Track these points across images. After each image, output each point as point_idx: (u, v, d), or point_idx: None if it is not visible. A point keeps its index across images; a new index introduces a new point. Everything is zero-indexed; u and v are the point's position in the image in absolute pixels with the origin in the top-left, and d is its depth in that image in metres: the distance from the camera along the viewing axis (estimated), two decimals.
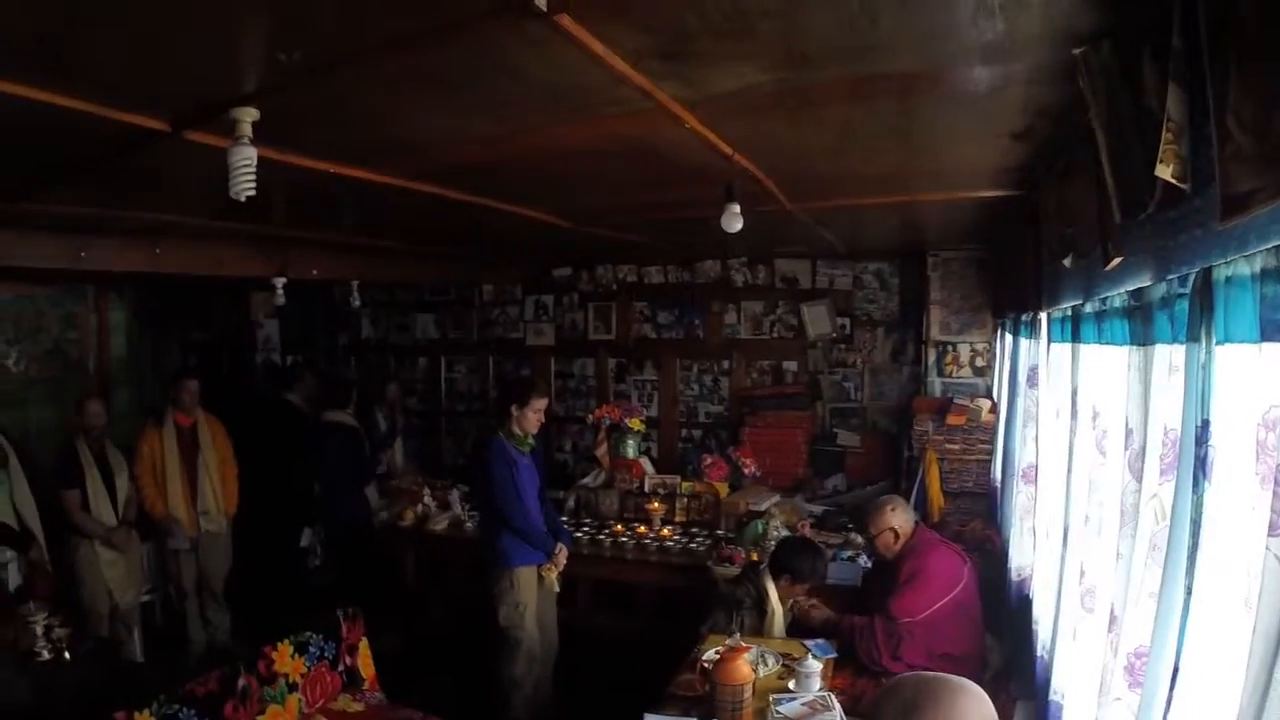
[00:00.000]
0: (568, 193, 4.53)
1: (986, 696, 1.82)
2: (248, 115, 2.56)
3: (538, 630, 5.45)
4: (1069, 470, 3.27)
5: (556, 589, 5.59)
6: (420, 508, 7.38)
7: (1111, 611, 2.42)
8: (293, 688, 4.42)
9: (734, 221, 3.91)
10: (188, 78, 2.34)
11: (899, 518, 4.59)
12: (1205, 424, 1.74)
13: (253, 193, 2.65)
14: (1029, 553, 4.48)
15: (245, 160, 2.60)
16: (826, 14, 2.00)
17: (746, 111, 2.85)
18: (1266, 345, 1.49)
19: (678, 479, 7.35)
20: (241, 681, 4.14)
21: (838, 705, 3.78)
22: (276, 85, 2.39)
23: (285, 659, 4.43)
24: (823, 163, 3.81)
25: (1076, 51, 2.06)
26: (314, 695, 4.53)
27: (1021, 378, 4.91)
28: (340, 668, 4.75)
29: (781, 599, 4.74)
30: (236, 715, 4.06)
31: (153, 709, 3.71)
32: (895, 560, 4.54)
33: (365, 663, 4.91)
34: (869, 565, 5.53)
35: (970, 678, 1.85)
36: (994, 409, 6.65)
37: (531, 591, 5.37)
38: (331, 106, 2.71)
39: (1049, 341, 4.03)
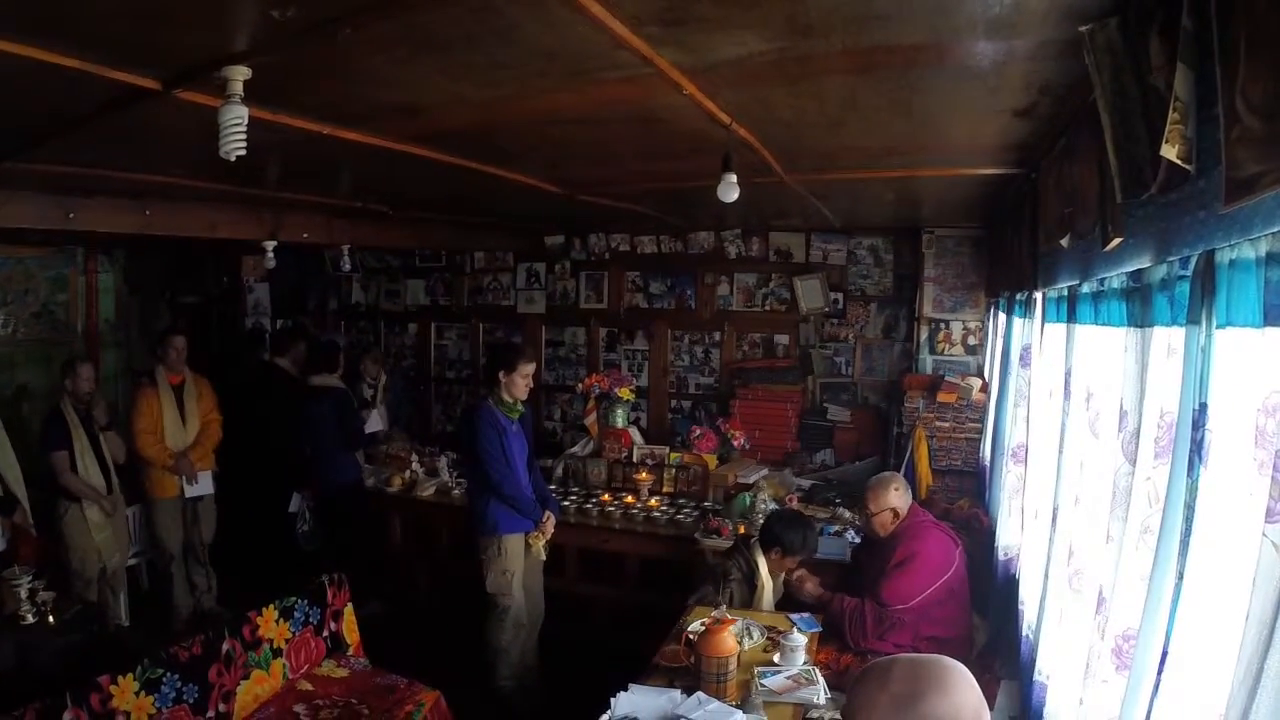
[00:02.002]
0: (563, 159, 4.48)
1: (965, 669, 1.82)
2: (239, 74, 2.51)
3: (524, 597, 5.46)
4: (1060, 451, 3.26)
5: (543, 557, 5.60)
6: (408, 474, 7.39)
7: (1100, 593, 2.42)
8: (277, 653, 4.44)
9: (730, 191, 3.87)
10: (180, 35, 2.29)
11: (901, 498, 4.58)
12: (1203, 407, 1.73)
13: (243, 152, 2.61)
14: (1017, 532, 4.49)
15: (236, 119, 2.56)
16: None
17: (747, 80, 2.81)
18: (1269, 329, 1.47)
19: (666, 450, 7.37)
20: (226, 646, 4.16)
21: (821, 679, 3.79)
22: (269, 44, 2.34)
23: (270, 624, 4.44)
24: (822, 134, 3.76)
25: (1084, 28, 2.03)
26: (298, 660, 4.55)
27: (1014, 357, 4.89)
28: (325, 633, 4.77)
29: (772, 573, 4.75)
30: (221, 680, 4.07)
31: (136, 673, 3.72)
32: (888, 539, 4.53)
33: (350, 629, 4.93)
34: (857, 541, 5.54)
35: (956, 659, 1.84)
36: (985, 388, 6.66)
37: (519, 559, 5.37)
38: (325, 66, 2.66)
39: (1043, 321, 4.02)
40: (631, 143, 4.00)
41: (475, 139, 3.86)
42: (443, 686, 4.62)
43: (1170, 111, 1.66)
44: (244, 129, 2.59)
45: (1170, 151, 1.68)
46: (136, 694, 3.70)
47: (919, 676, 1.76)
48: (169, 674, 3.84)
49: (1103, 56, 2.02)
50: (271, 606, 4.50)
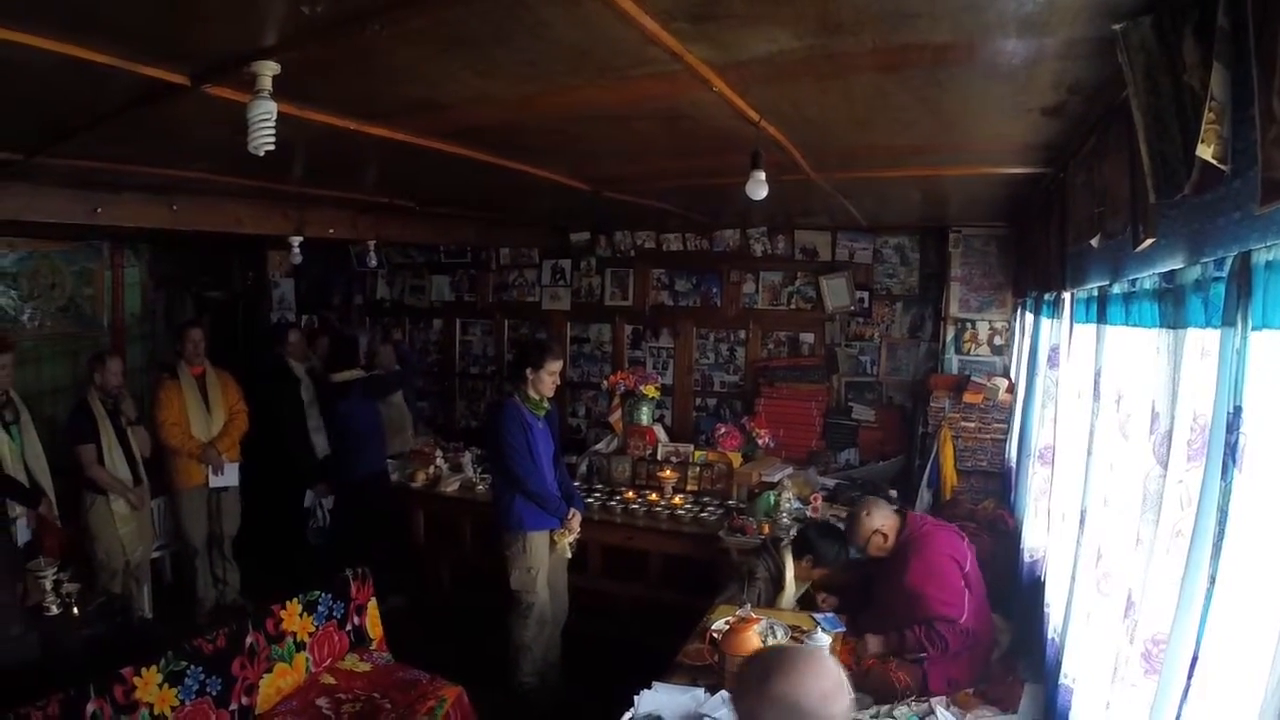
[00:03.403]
0: (590, 156, 4.48)
1: (832, 664, 2.13)
2: (268, 69, 2.52)
3: (548, 595, 5.47)
4: (1089, 452, 3.23)
5: (569, 555, 5.60)
6: (432, 469, 7.43)
7: (1129, 597, 2.39)
8: (300, 646, 4.47)
9: (759, 189, 3.86)
10: (210, 30, 2.30)
11: (878, 518, 4.53)
12: (1238, 410, 1.71)
13: (271, 147, 2.62)
14: (1043, 534, 4.46)
15: (264, 114, 2.58)
16: None
17: (776, 77, 2.80)
18: None
19: (690, 447, 7.37)
20: (249, 639, 4.19)
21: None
22: (298, 39, 2.35)
23: (294, 618, 4.47)
24: (850, 132, 3.75)
25: (1117, 27, 2.01)
26: (321, 654, 4.58)
27: (1042, 358, 4.86)
28: (348, 627, 4.79)
29: (799, 578, 4.74)
30: (244, 673, 4.10)
31: (160, 665, 3.75)
32: (897, 554, 4.48)
33: (373, 623, 4.96)
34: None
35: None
36: (1011, 388, 6.62)
37: (543, 556, 5.38)
38: (353, 62, 2.66)
39: (1072, 322, 3.98)
40: (659, 140, 3.98)
41: (503, 135, 3.86)
42: (465, 682, 4.63)
43: (1206, 111, 1.65)
44: (273, 124, 2.60)
45: (1206, 152, 1.66)
46: (160, 686, 3.73)
47: (772, 661, 2.12)
48: (192, 666, 3.88)
49: (1136, 55, 2.00)
50: (295, 600, 4.53)
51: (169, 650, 3.83)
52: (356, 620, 4.85)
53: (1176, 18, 1.86)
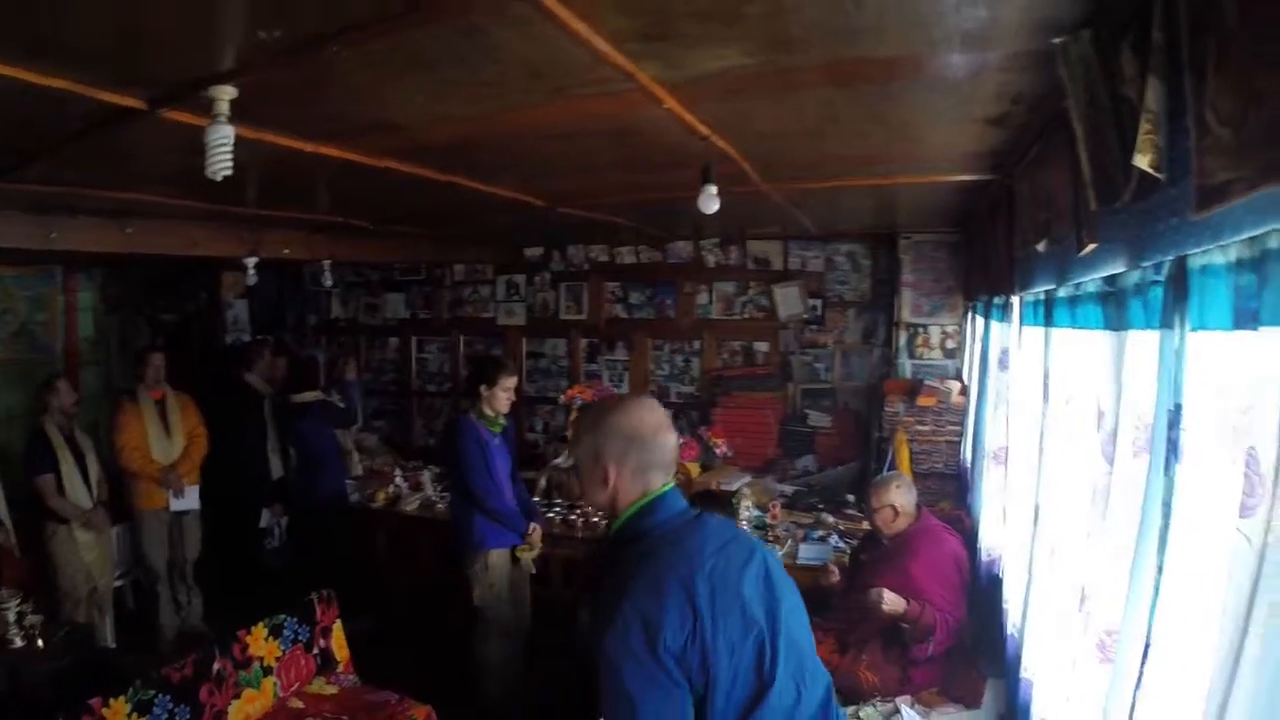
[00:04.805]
0: (544, 172, 4.51)
1: (660, 406, 2.37)
2: (225, 94, 2.53)
3: (511, 610, 5.47)
4: (1040, 452, 3.32)
5: (532, 570, 5.62)
6: (392, 488, 7.40)
7: (1083, 590, 2.47)
8: (268, 671, 4.43)
9: (710, 203, 3.93)
10: (167, 55, 2.32)
11: (901, 496, 4.60)
12: (1178, 408, 1.79)
13: (229, 172, 2.62)
14: (999, 533, 4.55)
15: (222, 139, 2.57)
16: None
17: (726, 93, 2.85)
18: (1240, 333, 1.52)
19: None
20: (217, 665, 4.15)
21: None
22: (256, 63, 2.37)
23: (260, 642, 4.44)
24: (800, 144, 3.82)
25: (1057, 41, 2.09)
26: (289, 678, 4.55)
27: (993, 360, 4.96)
28: (314, 650, 4.77)
29: None
30: (212, 699, 4.07)
31: (129, 695, 3.71)
32: (899, 541, 4.55)
33: (339, 645, 4.93)
34: (841, 546, 5.61)
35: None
36: (964, 391, 6.72)
37: (505, 572, 5.38)
38: (311, 85, 2.68)
39: (1021, 325, 4.07)
40: (611, 155, 4.03)
41: (458, 154, 3.88)
42: (433, 701, 4.61)
43: (1142, 122, 1.72)
44: (230, 149, 2.60)
45: (1142, 161, 1.73)
46: (129, 716, 3.68)
47: (608, 401, 2.49)
48: (161, 695, 3.83)
49: (1076, 68, 2.07)
50: (261, 625, 4.49)
51: (137, 679, 3.79)
52: (323, 643, 4.83)
53: (1114, 32, 1.93)
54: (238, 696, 4.22)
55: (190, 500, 6.67)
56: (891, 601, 4.14)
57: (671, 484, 2.29)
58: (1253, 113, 1.34)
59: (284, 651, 4.56)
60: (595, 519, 6.57)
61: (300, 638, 4.69)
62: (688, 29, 2.21)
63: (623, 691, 1.97)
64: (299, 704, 4.47)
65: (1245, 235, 1.46)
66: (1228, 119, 1.43)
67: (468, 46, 2.31)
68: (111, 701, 3.62)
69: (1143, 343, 2.08)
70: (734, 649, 1.99)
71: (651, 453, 2.22)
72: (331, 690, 4.64)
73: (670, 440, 2.26)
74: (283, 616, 4.63)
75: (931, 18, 2.13)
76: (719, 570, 2.06)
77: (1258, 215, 1.42)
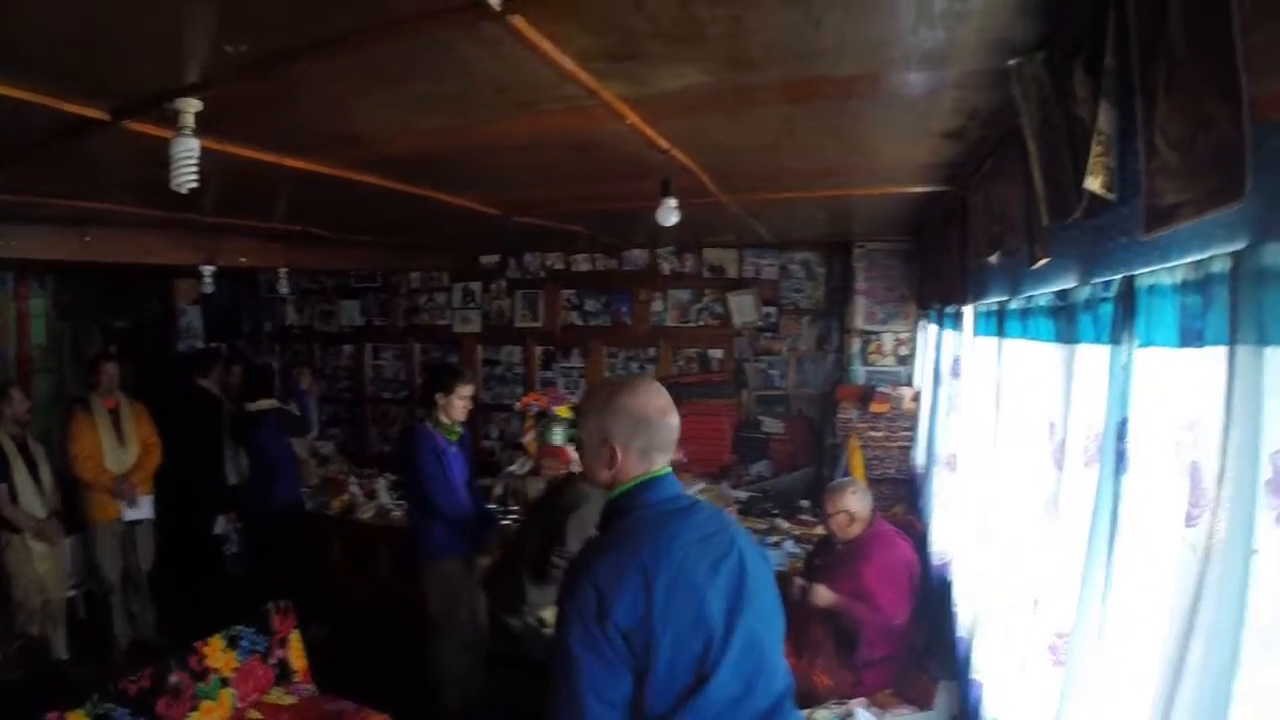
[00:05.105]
0: (506, 184, 4.55)
1: (664, 389, 2.41)
2: (191, 106, 2.54)
3: (468, 618, 5.46)
4: (992, 459, 3.38)
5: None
6: (347, 496, 7.36)
7: (1034, 595, 2.53)
8: (225, 683, 4.39)
9: (670, 215, 3.98)
10: (132, 67, 2.33)
11: (857, 502, 4.62)
12: (1125, 421, 1.85)
13: (195, 185, 2.62)
14: (951, 538, 4.62)
15: (188, 152, 2.58)
16: (776, 20, 2.07)
17: (687, 110, 2.92)
18: (1186, 350, 1.58)
19: None
20: (174, 678, 4.11)
21: None
22: (221, 77, 2.38)
23: (217, 653, 4.40)
24: (759, 157, 3.89)
25: (1012, 62, 2.15)
26: (247, 689, 4.51)
27: (945, 368, 5.03)
28: (272, 661, 4.73)
29: None
30: (170, 712, 4.02)
31: (86, 709, 3.66)
32: (852, 546, 4.60)
33: (297, 655, 4.89)
34: (796, 551, 5.66)
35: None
36: (916, 397, 6.81)
37: (462, 580, 5.38)
38: (276, 97, 2.70)
39: (974, 334, 4.14)
40: (572, 167, 4.07)
41: (420, 165, 3.91)
42: (391, 710, 4.60)
43: (1094, 145, 1.78)
44: (196, 162, 2.60)
45: (1094, 183, 1.79)
46: None
47: (616, 382, 2.42)
48: (118, 709, 3.79)
49: (1030, 88, 2.14)
50: (218, 636, 4.45)
51: (94, 693, 3.75)
52: (280, 653, 4.79)
53: (1067, 54, 2.00)
54: (195, 709, 4.18)
55: (144, 510, 6.58)
56: (822, 594, 4.32)
57: (669, 469, 2.34)
58: (1201, 137, 1.40)
59: (241, 662, 4.52)
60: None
61: (258, 648, 4.65)
62: (652, 49, 2.26)
63: (568, 651, 2.07)
64: (257, 715, 4.44)
65: (1191, 258, 1.53)
66: (1176, 143, 1.49)
67: (436, 62, 2.35)
68: (68, 715, 3.58)
69: (1092, 356, 2.14)
70: (680, 641, 2.05)
71: (657, 433, 2.28)
72: (290, 700, 4.61)
73: (674, 422, 2.33)
74: (240, 627, 4.59)
75: (890, 39, 2.20)
76: (687, 563, 2.11)
77: (1203, 239, 1.49)
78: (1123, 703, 1.86)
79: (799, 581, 4.44)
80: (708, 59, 2.36)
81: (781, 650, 2.30)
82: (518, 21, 1.99)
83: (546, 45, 2.17)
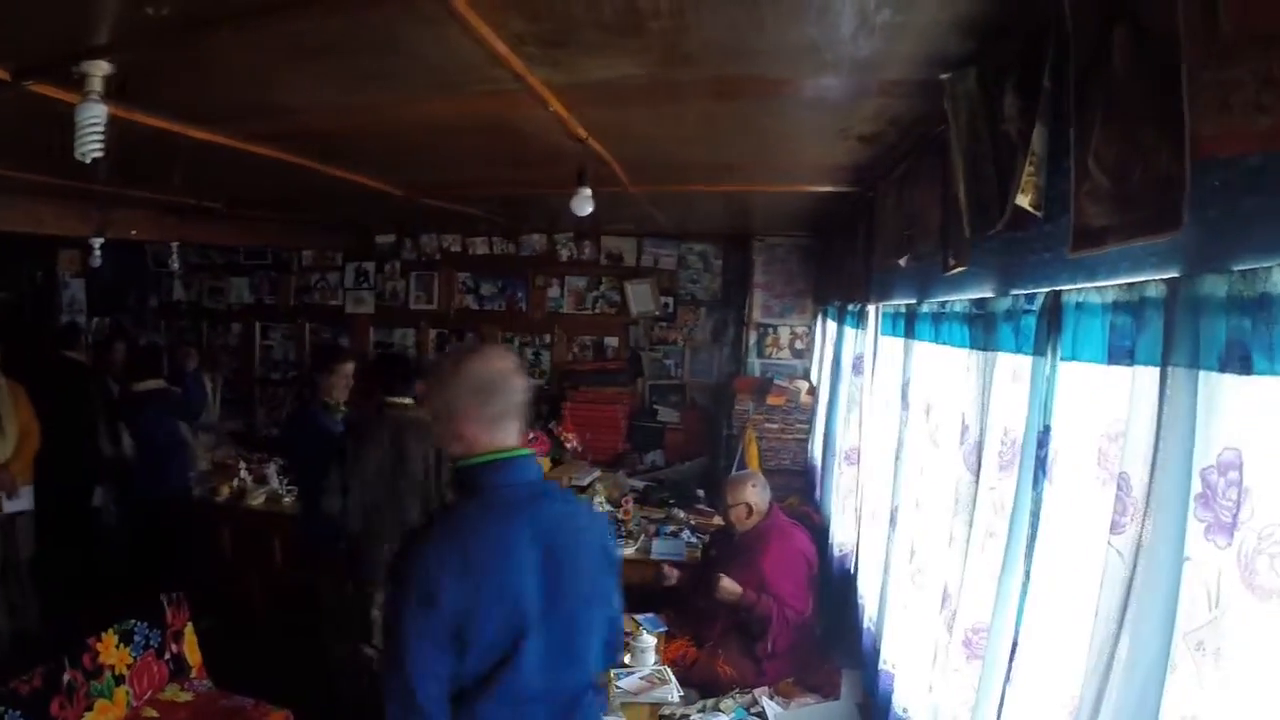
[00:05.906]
0: (415, 163, 4.48)
1: (509, 353, 2.52)
2: (99, 69, 2.40)
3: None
4: (898, 457, 3.45)
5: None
6: (236, 482, 7.12)
7: (945, 590, 2.60)
8: (120, 680, 4.21)
9: (585, 205, 3.97)
10: (37, 23, 2.21)
11: (756, 495, 4.71)
12: (1047, 429, 1.92)
13: (100, 154, 2.49)
14: (851, 530, 4.71)
15: (94, 118, 2.44)
16: (720, 19, 2.09)
17: (611, 100, 2.92)
18: (1112, 367, 1.65)
19: None
20: (67, 677, 3.92)
21: (673, 678, 3.93)
22: (135, 39, 2.27)
23: (110, 649, 4.21)
24: (673, 150, 3.90)
25: (945, 76, 2.21)
26: (141, 687, 4.33)
27: (846, 364, 5.12)
28: (166, 656, 4.55)
29: None
30: (64, 713, 3.84)
31: None
32: (750, 536, 4.67)
33: (191, 649, 4.73)
34: (693, 541, 5.72)
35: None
36: (812, 391, 6.94)
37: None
38: (192, 64, 2.58)
39: (878, 333, 4.22)
40: (487, 151, 4.05)
41: (330, 141, 3.80)
42: (290, 704, 4.52)
43: (1025, 164, 1.84)
44: (102, 129, 2.47)
45: (1024, 200, 1.86)
46: None
47: (460, 350, 2.67)
48: (9, 710, 3.59)
49: (960, 103, 2.20)
50: (111, 631, 4.25)
51: None
52: (174, 648, 4.61)
53: (999, 72, 2.06)
54: (90, 708, 4.00)
55: (24, 501, 6.22)
56: (728, 587, 4.38)
57: (529, 451, 2.37)
58: (1138, 166, 1.46)
59: (135, 658, 4.34)
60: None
61: (151, 643, 4.47)
62: (589, 37, 2.25)
63: (398, 631, 2.13)
64: (153, 713, 4.28)
65: (1121, 280, 1.59)
66: (1110, 169, 1.55)
67: (367, 38, 2.30)
68: None
69: (1012, 365, 2.20)
70: (496, 629, 2.16)
71: (504, 397, 2.29)
72: (186, 697, 4.46)
73: (519, 384, 2.35)
74: (132, 621, 4.40)
75: (828, 45, 2.23)
76: (515, 556, 2.19)
77: (1133, 263, 1.55)
78: (1043, 696, 1.93)
79: (668, 570, 4.79)
80: (644, 51, 2.35)
81: (591, 644, 2.39)
82: (458, 2, 1.95)
83: (483, 27, 2.13)
